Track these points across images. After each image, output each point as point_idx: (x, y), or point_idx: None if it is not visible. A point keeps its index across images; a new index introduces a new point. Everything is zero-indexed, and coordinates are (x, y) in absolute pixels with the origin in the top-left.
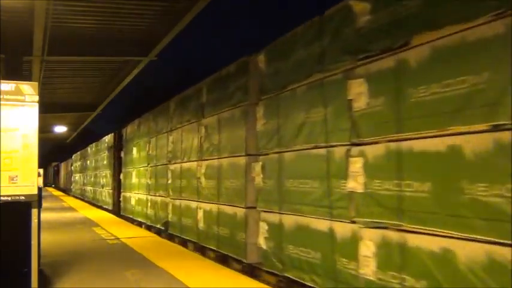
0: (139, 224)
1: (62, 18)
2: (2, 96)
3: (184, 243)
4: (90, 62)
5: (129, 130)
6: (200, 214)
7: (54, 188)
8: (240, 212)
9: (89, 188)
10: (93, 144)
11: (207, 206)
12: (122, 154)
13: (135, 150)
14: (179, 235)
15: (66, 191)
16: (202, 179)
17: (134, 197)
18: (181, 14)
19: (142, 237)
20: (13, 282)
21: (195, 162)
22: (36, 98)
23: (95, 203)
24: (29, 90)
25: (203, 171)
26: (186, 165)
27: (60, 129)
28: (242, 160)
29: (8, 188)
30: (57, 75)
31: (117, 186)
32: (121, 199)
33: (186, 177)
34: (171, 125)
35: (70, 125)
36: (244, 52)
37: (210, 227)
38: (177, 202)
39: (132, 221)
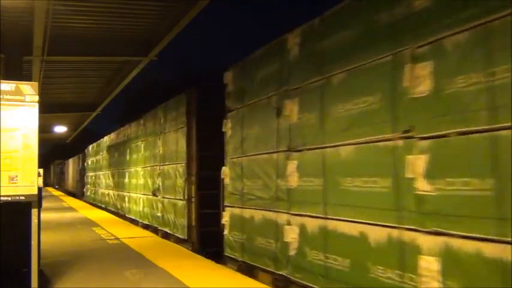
0: None
1: (62, 18)
2: (2, 96)
3: None
4: (90, 62)
5: (249, 74)
6: None
7: (56, 189)
8: None
9: (122, 194)
10: (131, 124)
11: None
12: (226, 128)
13: (293, 110)
14: None
15: (76, 195)
16: None
17: (310, 225)
18: (181, 14)
19: (141, 237)
20: (13, 282)
21: None
22: (36, 98)
23: (139, 222)
24: (29, 90)
25: None
26: None
27: (60, 129)
28: None
29: (8, 188)
30: (57, 75)
31: (198, 194)
32: (225, 222)
33: None
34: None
35: (70, 125)
36: (247, 51)
37: None
38: None
39: (285, 283)
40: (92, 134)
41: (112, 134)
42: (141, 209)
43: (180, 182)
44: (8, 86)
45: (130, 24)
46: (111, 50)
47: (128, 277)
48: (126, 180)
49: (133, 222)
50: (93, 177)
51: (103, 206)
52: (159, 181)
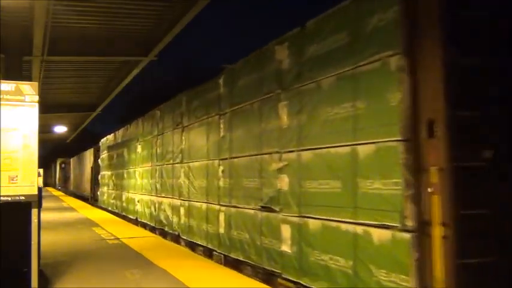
0: None
1: (62, 18)
2: (2, 96)
3: None
4: (90, 62)
5: None
6: None
7: (58, 190)
8: None
9: (173, 201)
10: (184, 92)
11: None
12: None
13: None
14: None
15: (88, 199)
16: None
17: None
18: (181, 14)
19: (141, 237)
20: (13, 282)
21: None
22: (36, 98)
23: (215, 252)
24: (29, 90)
25: None
26: None
27: (60, 129)
28: None
29: (8, 188)
30: (57, 75)
31: (457, 218)
32: None
33: None
34: None
35: (70, 125)
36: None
37: None
38: None
39: None
40: (92, 134)
41: (149, 112)
42: (222, 231)
43: (379, 185)
44: (8, 86)
45: (130, 24)
46: (111, 50)
47: (127, 277)
48: (182, 180)
49: (196, 248)
50: (113, 177)
51: (130, 216)
52: (279, 183)
